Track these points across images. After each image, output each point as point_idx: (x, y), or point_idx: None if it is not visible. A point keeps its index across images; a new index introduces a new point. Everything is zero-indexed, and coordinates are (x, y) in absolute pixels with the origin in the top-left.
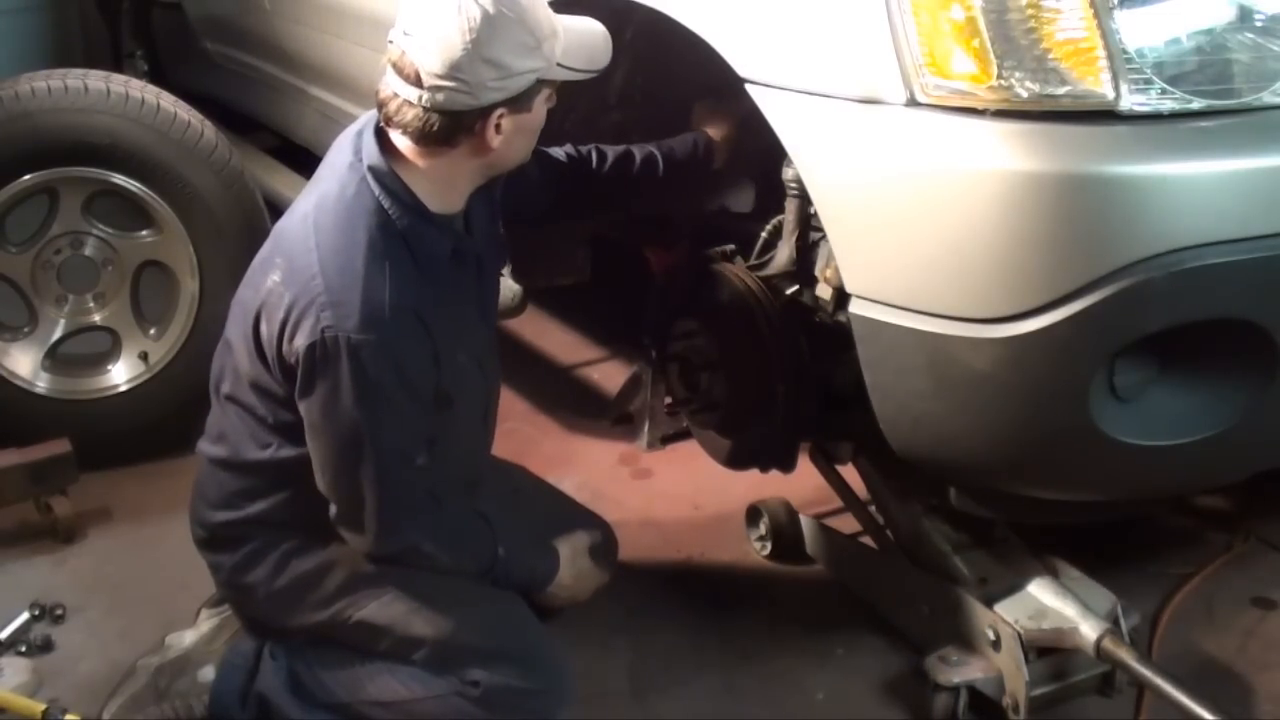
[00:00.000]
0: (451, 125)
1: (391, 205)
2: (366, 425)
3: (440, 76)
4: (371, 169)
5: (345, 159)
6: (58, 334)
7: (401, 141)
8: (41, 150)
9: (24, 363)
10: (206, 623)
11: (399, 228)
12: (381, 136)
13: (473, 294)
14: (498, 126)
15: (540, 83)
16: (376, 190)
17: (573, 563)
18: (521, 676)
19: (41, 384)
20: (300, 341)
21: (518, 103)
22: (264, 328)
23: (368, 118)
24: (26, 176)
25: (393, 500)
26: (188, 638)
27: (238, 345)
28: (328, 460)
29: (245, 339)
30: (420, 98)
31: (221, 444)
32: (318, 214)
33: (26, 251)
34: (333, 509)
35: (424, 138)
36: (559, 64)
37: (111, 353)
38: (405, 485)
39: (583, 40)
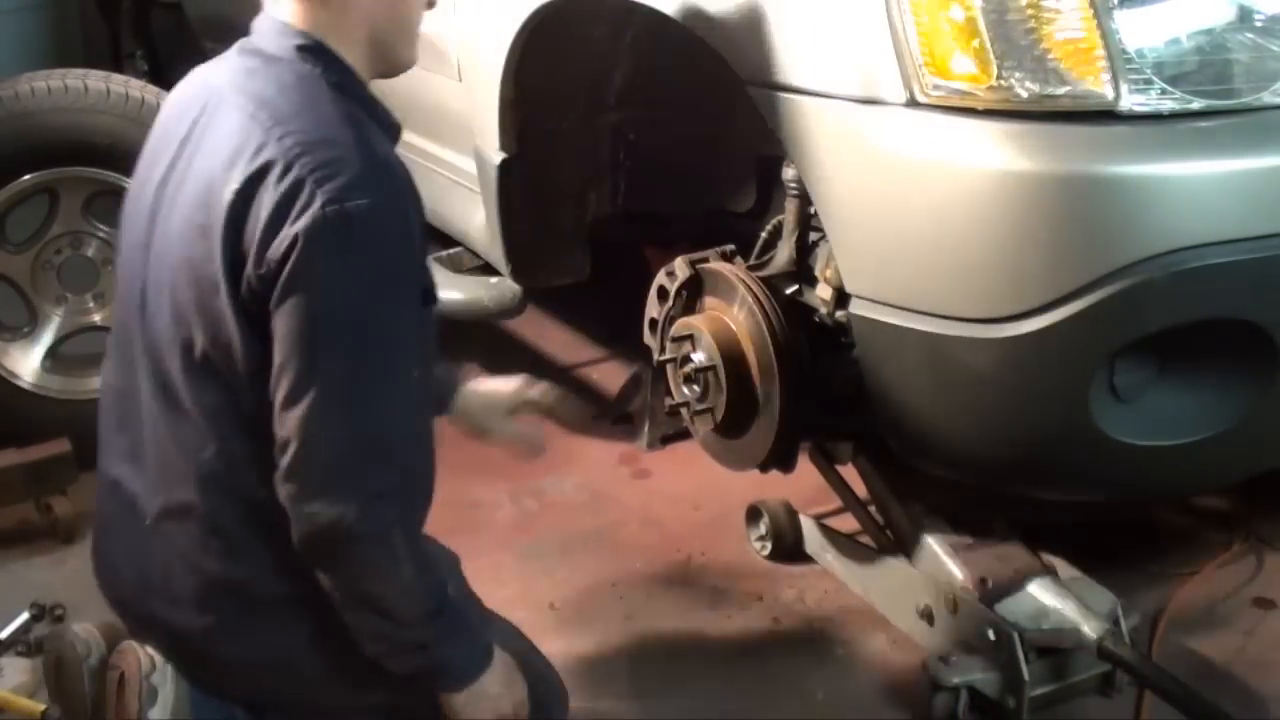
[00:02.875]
0: None
1: (339, 77)
2: (373, 315)
3: None
4: (301, 49)
5: (248, 65)
6: (58, 334)
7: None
8: (42, 150)
9: (24, 363)
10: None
11: (355, 98)
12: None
13: None
14: None
15: None
16: (316, 67)
17: (507, 680)
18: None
19: (42, 384)
20: (298, 225)
21: None
22: (243, 237)
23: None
24: (27, 176)
25: (393, 436)
26: None
27: (181, 326)
28: (314, 380)
29: (192, 302)
30: None
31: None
32: (270, 107)
33: (27, 251)
34: (294, 459)
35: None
36: None
37: None
38: (405, 417)
39: None
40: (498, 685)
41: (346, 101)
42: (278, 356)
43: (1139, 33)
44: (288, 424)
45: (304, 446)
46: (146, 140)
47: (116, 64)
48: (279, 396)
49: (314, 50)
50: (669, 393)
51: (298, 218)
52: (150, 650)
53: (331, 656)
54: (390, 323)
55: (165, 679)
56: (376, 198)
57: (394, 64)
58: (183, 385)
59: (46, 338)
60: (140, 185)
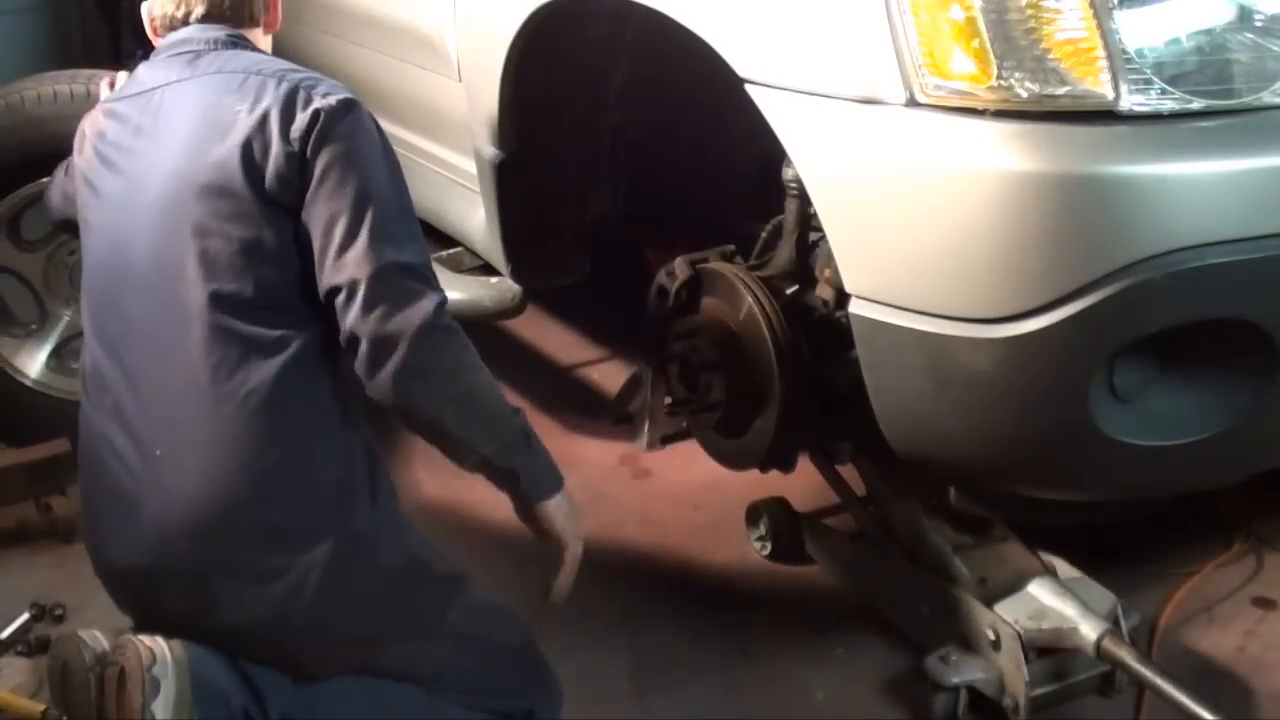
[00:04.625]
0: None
1: (262, 54)
2: (396, 179)
3: None
4: (230, 36)
5: (185, 58)
6: (64, 334)
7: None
8: (55, 153)
9: (30, 361)
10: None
11: None
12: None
13: None
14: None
15: None
16: (244, 46)
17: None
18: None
19: (45, 383)
20: (311, 109)
21: None
22: (255, 148)
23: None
24: (43, 179)
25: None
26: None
27: (206, 252)
28: (366, 207)
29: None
30: None
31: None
32: (234, 65)
33: (40, 250)
34: (369, 287)
35: (248, 15)
36: None
37: None
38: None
39: None
40: (570, 502)
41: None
42: (321, 222)
43: (1139, 33)
44: (348, 264)
45: (376, 270)
46: (87, 162)
47: (117, 64)
48: (333, 247)
49: (239, 38)
50: (669, 393)
51: (306, 105)
52: (149, 643)
53: (350, 580)
54: (407, 196)
55: (167, 671)
56: (355, 99)
57: None
58: (217, 313)
59: (53, 337)
60: (103, 187)
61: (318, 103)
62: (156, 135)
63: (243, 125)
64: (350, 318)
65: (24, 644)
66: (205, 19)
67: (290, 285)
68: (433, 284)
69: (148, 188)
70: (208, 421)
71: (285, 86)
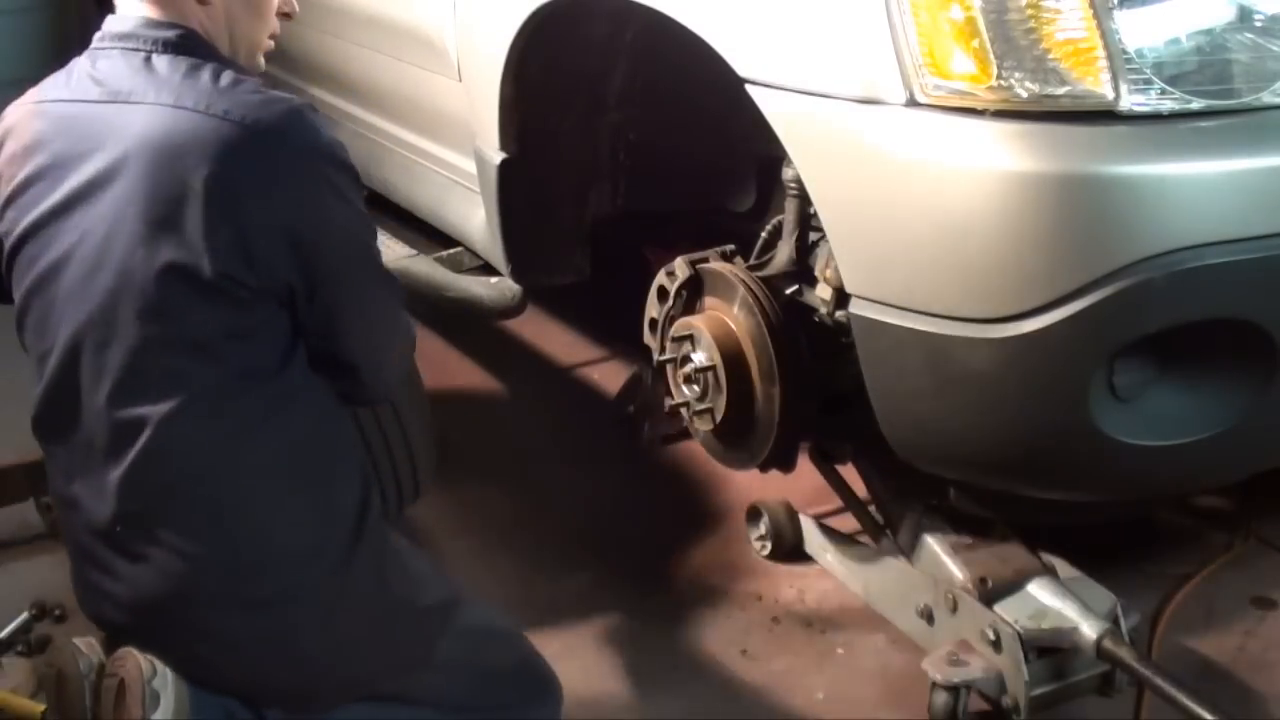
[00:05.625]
0: None
1: (220, 60)
2: (369, 235)
3: None
4: (181, 37)
5: (131, 62)
6: None
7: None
8: None
9: None
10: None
11: (240, 71)
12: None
13: None
14: None
15: None
16: (198, 50)
17: None
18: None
19: None
20: (286, 191)
21: None
22: (225, 232)
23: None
24: None
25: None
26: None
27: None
28: (367, 285)
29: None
30: None
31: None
32: (191, 91)
33: None
34: (384, 369)
35: None
36: None
37: None
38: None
39: None
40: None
41: (238, 72)
42: (323, 313)
43: (1139, 33)
44: (358, 352)
45: (383, 355)
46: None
47: None
48: (340, 336)
49: (191, 37)
50: (669, 393)
51: (281, 182)
52: (150, 655)
53: (334, 632)
54: (375, 245)
55: (166, 684)
56: (324, 133)
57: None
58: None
59: None
60: (38, 206)
61: (294, 181)
62: (105, 171)
63: (210, 195)
64: (368, 391)
65: (24, 644)
66: None
67: (261, 354)
68: (403, 312)
69: (92, 240)
70: (175, 490)
71: (254, 146)
